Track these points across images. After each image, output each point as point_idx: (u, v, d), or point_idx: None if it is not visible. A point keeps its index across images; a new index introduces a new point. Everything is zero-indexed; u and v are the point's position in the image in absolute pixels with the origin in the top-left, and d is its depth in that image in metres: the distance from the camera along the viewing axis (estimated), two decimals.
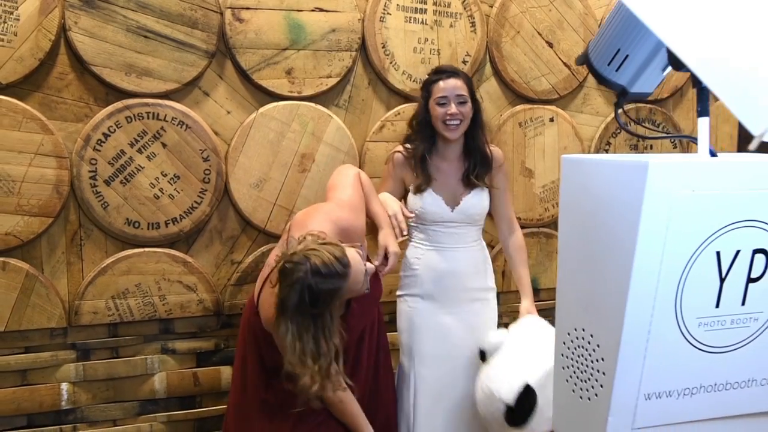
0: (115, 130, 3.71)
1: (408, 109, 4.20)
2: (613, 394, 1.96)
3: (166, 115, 3.79)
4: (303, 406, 3.04)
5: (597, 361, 2.01)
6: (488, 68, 4.42)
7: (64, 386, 3.84)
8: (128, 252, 3.85)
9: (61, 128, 3.68)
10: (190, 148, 3.84)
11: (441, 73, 3.76)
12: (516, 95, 4.47)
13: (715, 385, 2.05)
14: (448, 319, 3.79)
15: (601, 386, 2.00)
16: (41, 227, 3.66)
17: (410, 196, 3.81)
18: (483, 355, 3.72)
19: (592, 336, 2.03)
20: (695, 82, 1.97)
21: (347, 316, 3.17)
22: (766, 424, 2.17)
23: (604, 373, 1.99)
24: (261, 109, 3.98)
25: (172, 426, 4.03)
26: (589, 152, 4.62)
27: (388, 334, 3.83)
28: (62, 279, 3.78)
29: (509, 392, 3.39)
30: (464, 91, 3.69)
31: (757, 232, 1.94)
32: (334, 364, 2.95)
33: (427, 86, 3.77)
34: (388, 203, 3.68)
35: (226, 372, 4.06)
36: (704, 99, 1.98)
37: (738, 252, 1.94)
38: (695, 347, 1.98)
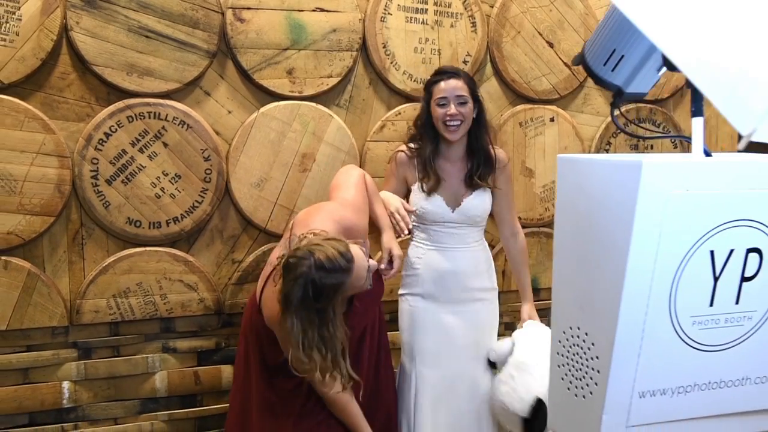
0: (116, 129, 3.73)
1: (408, 109, 4.21)
2: (608, 392, 1.97)
3: (167, 115, 3.80)
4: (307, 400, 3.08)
5: (592, 359, 2.02)
6: (489, 68, 4.44)
7: (66, 385, 3.85)
8: (129, 251, 3.86)
9: (63, 128, 3.70)
10: (191, 148, 3.85)
11: (442, 74, 3.77)
12: (516, 95, 4.49)
13: (710, 383, 2.05)
14: (449, 318, 3.80)
15: (596, 384, 2.01)
16: (43, 226, 3.68)
17: (412, 196, 3.82)
18: (492, 364, 3.79)
19: (587, 335, 2.03)
20: (689, 82, 1.98)
21: (349, 314, 3.19)
22: (760, 422, 2.17)
23: (598, 372, 1.99)
24: (262, 109, 3.99)
25: (173, 424, 4.04)
26: (589, 152, 4.62)
27: (389, 333, 3.85)
28: (64, 278, 3.80)
29: (523, 408, 3.53)
30: (464, 92, 3.70)
31: (751, 231, 1.95)
32: (340, 358, 2.97)
33: (428, 87, 3.78)
34: (389, 201, 3.69)
35: (226, 371, 4.07)
36: (698, 99, 1.99)
37: (732, 251, 1.95)
38: (689, 346, 1.99)
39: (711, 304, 1.98)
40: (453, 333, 3.80)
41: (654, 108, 4.73)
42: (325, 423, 3.31)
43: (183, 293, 3.93)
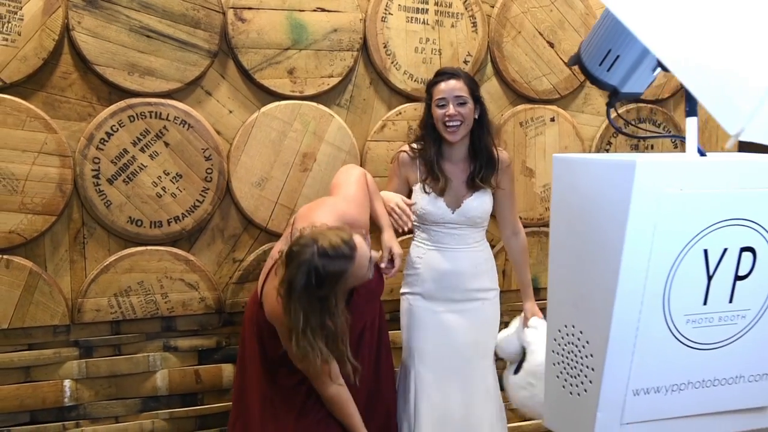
0: (118, 129, 3.74)
1: (409, 108, 4.23)
2: (602, 389, 1.98)
3: (168, 115, 3.82)
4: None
5: (586, 357, 2.03)
6: (489, 68, 4.44)
7: (67, 383, 3.87)
8: (131, 250, 3.88)
9: (65, 127, 3.71)
10: (192, 147, 3.86)
11: (441, 75, 3.78)
12: (517, 95, 4.49)
13: (703, 381, 2.06)
14: (449, 317, 3.81)
15: (590, 382, 2.02)
16: (45, 225, 3.70)
17: (413, 196, 3.83)
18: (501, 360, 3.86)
19: (581, 333, 2.04)
20: None
21: (349, 308, 3.20)
22: (754, 419, 2.18)
23: (593, 369, 2.00)
24: (263, 109, 4.00)
25: (173, 423, 4.05)
26: (590, 152, 4.62)
27: (390, 332, 3.86)
28: (65, 277, 3.82)
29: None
30: (464, 92, 3.70)
31: (745, 230, 1.96)
32: (342, 346, 2.99)
33: (429, 89, 3.79)
34: (388, 199, 3.70)
35: (227, 369, 4.09)
36: (692, 99, 1.99)
37: (725, 250, 1.96)
38: (683, 344, 2.00)
39: (705, 303, 1.99)
40: (453, 332, 3.81)
41: (654, 108, 4.73)
42: (324, 421, 3.33)
43: (184, 292, 3.95)
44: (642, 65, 2.16)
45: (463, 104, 3.69)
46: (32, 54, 3.59)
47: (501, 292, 4.02)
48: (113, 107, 3.75)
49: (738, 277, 2.00)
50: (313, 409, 3.33)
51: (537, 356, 3.70)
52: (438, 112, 3.70)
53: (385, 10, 4.13)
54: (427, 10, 4.23)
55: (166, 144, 3.83)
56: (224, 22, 3.89)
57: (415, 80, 4.22)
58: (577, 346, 2.07)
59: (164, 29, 3.78)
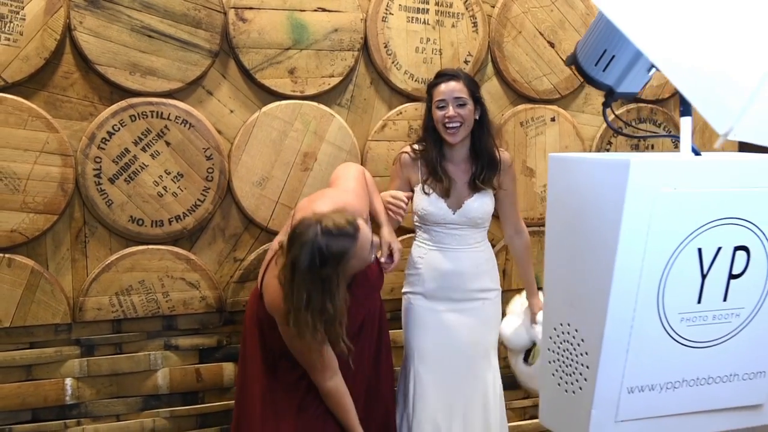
0: (119, 128, 3.76)
1: (409, 108, 4.24)
2: (597, 387, 1.99)
3: (169, 114, 3.83)
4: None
5: (581, 355, 2.04)
6: (490, 68, 4.45)
7: (69, 381, 3.88)
8: (132, 249, 3.89)
9: (66, 126, 3.73)
10: (193, 147, 3.88)
11: (441, 76, 3.77)
12: (517, 95, 4.50)
13: (698, 379, 2.08)
14: (450, 317, 3.81)
15: (585, 380, 2.03)
16: (46, 224, 3.71)
17: (415, 197, 3.84)
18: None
19: (576, 331, 2.06)
20: None
21: (349, 298, 3.21)
22: (748, 417, 2.19)
23: (587, 367, 2.02)
24: (264, 108, 4.01)
25: (174, 421, 4.07)
26: (590, 152, 4.63)
27: (391, 331, 3.87)
28: (67, 275, 3.83)
29: None
30: (463, 94, 3.70)
31: (738, 229, 1.97)
32: (339, 328, 3.01)
33: (429, 90, 3.79)
34: (383, 194, 3.71)
35: (228, 368, 4.10)
36: (686, 99, 2.01)
37: (719, 249, 1.97)
38: (677, 342, 2.01)
39: (699, 301, 2.00)
40: (454, 331, 3.81)
41: (655, 108, 4.74)
42: (322, 417, 3.34)
43: (185, 291, 3.96)
44: (637, 65, 2.17)
45: (462, 106, 3.69)
46: (34, 54, 3.61)
47: (502, 291, 4.03)
48: (115, 107, 3.76)
49: (732, 276, 2.01)
50: (313, 404, 3.34)
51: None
52: (438, 113, 3.71)
53: (386, 10, 4.14)
54: (428, 10, 4.24)
55: (168, 143, 3.84)
56: (225, 22, 3.90)
57: (415, 80, 4.23)
58: (572, 344, 2.08)
59: (166, 29, 3.79)
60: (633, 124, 4.70)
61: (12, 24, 3.55)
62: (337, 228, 2.89)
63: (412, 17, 4.22)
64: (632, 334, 1.95)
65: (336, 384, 3.28)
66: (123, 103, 3.77)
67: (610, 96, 2.28)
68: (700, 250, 1.95)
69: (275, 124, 4.01)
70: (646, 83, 2.28)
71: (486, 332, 3.90)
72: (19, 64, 3.59)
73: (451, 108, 3.67)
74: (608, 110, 2.38)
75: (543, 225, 4.48)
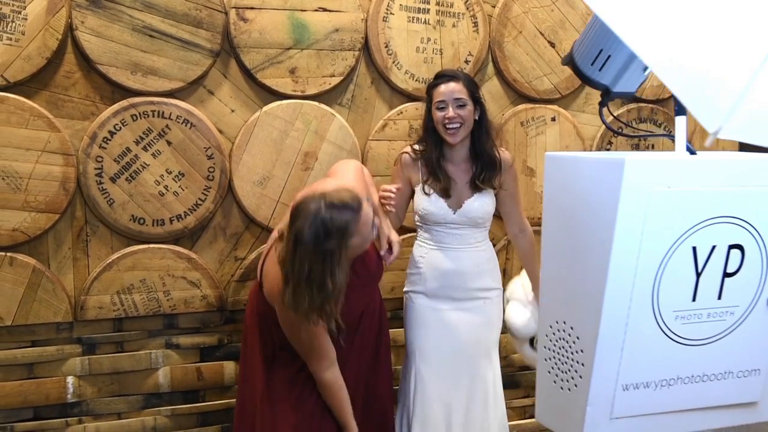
0: (120, 128, 3.77)
1: (410, 108, 4.25)
2: (592, 384, 2.00)
3: (171, 114, 3.84)
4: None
5: (577, 352, 2.05)
6: (490, 68, 4.46)
7: (70, 380, 3.90)
8: (133, 248, 3.90)
9: (68, 126, 3.74)
10: (194, 146, 3.89)
11: (441, 77, 3.77)
12: (518, 95, 4.51)
13: (692, 376, 2.09)
14: (451, 316, 3.82)
15: (581, 377, 2.04)
16: (48, 223, 3.72)
17: (415, 197, 3.85)
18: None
19: (572, 328, 2.07)
20: None
21: (349, 282, 3.20)
22: (742, 415, 2.20)
23: (583, 365, 2.03)
24: (265, 108, 4.03)
25: (175, 420, 4.08)
26: (590, 151, 4.64)
27: (392, 330, 3.88)
28: (68, 274, 3.84)
29: None
30: (463, 94, 3.70)
31: (733, 228, 1.98)
32: (332, 305, 3.00)
33: (429, 91, 3.79)
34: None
35: (229, 367, 4.11)
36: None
37: (714, 247, 1.98)
38: (672, 340, 2.02)
39: (693, 299, 2.01)
40: (455, 330, 3.82)
41: (655, 108, 4.75)
42: (319, 414, 3.35)
43: (186, 290, 3.97)
44: (633, 65, 2.19)
45: (462, 106, 3.69)
46: (36, 53, 3.62)
47: (503, 291, 4.04)
48: (116, 106, 3.77)
49: (726, 274, 2.02)
50: (311, 398, 3.35)
51: None
52: (438, 114, 3.71)
53: (387, 9, 4.15)
54: (429, 10, 4.25)
55: (169, 143, 3.85)
56: (226, 21, 3.91)
57: (416, 80, 4.24)
58: (567, 342, 2.09)
59: (167, 29, 3.80)
60: (633, 123, 4.70)
61: (14, 24, 3.57)
62: (341, 201, 2.90)
63: (413, 17, 4.23)
64: (627, 332, 1.97)
65: (333, 375, 3.28)
66: (124, 103, 3.78)
67: (607, 96, 2.29)
68: (694, 248, 1.96)
69: (276, 123, 4.02)
70: (642, 83, 2.29)
71: (487, 331, 3.91)
72: (20, 63, 3.60)
73: (450, 109, 3.67)
74: (605, 110, 2.38)
75: None
